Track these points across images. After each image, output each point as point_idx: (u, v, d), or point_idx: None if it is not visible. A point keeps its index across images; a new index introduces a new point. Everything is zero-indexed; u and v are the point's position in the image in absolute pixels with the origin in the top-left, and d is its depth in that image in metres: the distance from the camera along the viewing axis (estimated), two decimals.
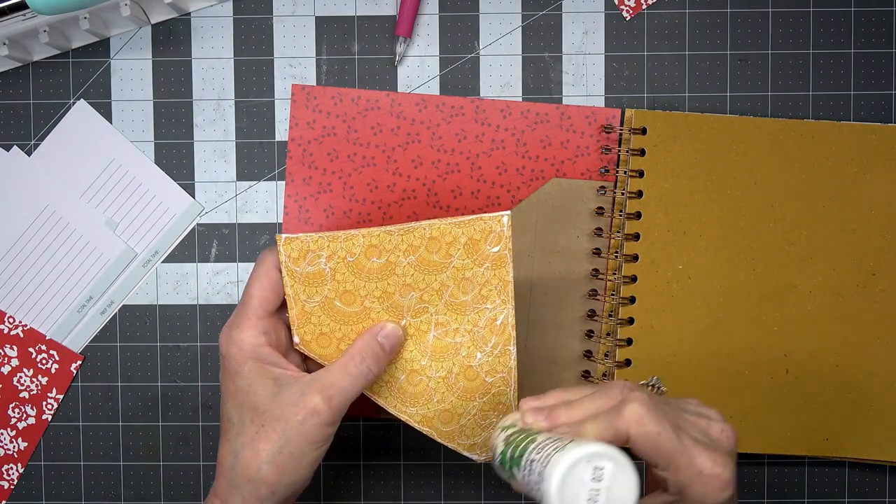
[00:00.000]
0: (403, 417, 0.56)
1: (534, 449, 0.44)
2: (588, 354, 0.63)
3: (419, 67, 0.64)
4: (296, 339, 0.53)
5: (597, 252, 0.63)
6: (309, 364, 0.55)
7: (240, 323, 0.52)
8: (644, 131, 0.62)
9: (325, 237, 0.52)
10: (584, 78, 0.64)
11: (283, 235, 0.52)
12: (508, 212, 0.53)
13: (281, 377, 0.51)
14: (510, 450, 0.46)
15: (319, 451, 0.51)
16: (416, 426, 0.56)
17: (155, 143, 0.65)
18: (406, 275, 0.53)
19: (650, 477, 0.50)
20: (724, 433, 0.48)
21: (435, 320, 0.54)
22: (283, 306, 0.54)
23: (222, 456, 0.52)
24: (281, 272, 0.53)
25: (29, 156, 0.64)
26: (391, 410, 0.56)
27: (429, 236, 0.52)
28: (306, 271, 0.52)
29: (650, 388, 0.54)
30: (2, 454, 0.65)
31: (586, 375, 0.63)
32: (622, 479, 0.42)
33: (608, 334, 0.63)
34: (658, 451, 0.45)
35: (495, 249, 0.53)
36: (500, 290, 0.54)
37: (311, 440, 0.51)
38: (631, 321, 0.62)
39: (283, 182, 0.64)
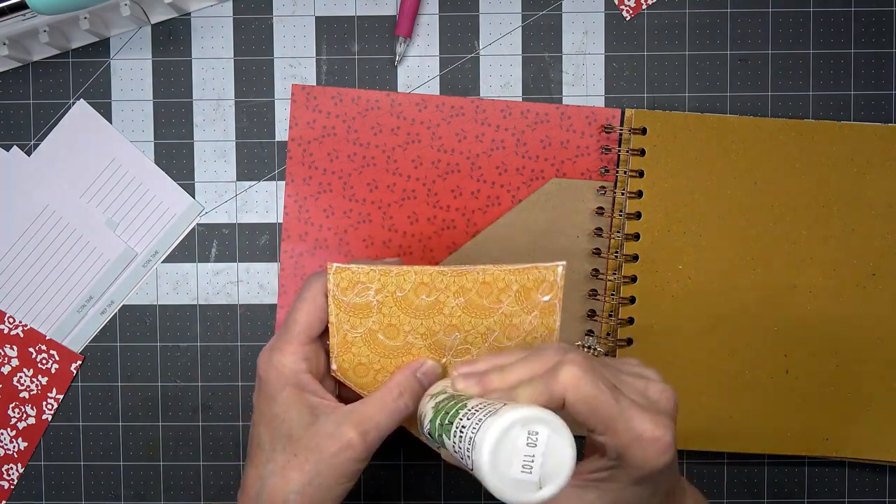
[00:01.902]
0: (443, 453, 0.56)
1: (464, 415, 0.42)
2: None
3: (419, 67, 0.64)
4: (333, 367, 0.52)
5: (597, 252, 0.63)
6: (342, 390, 0.54)
7: (282, 347, 0.51)
8: (644, 131, 0.62)
9: (377, 271, 0.51)
10: (584, 78, 0.64)
11: (334, 265, 0.50)
12: (563, 262, 0.51)
13: (318, 406, 0.50)
14: (440, 417, 0.44)
15: (346, 486, 0.50)
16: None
17: (155, 143, 0.65)
18: (453, 315, 0.52)
19: (587, 441, 0.49)
20: (664, 394, 0.46)
21: None
22: (324, 333, 0.53)
23: (249, 481, 0.51)
24: (327, 299, 0.51)
25: (29, 156, 0.64)
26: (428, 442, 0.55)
27: (481, 281, 0.51)
28: (353, 302, 0.51)
29: (586, 349, 0.52)
30: (2, 454, 0.65)
31: None
32: (558, 443, 0.40)
33: (608, 334, 0.63)
34: (595, 415, 0.43)
35: (546, 298, 0.51)
36: (546, 338, 0.52)
37: (342, 474, 0.49)
38: (631, 321, 0.62)
39: (283, 182, 0.64)
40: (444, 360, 0.53)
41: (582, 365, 0.43)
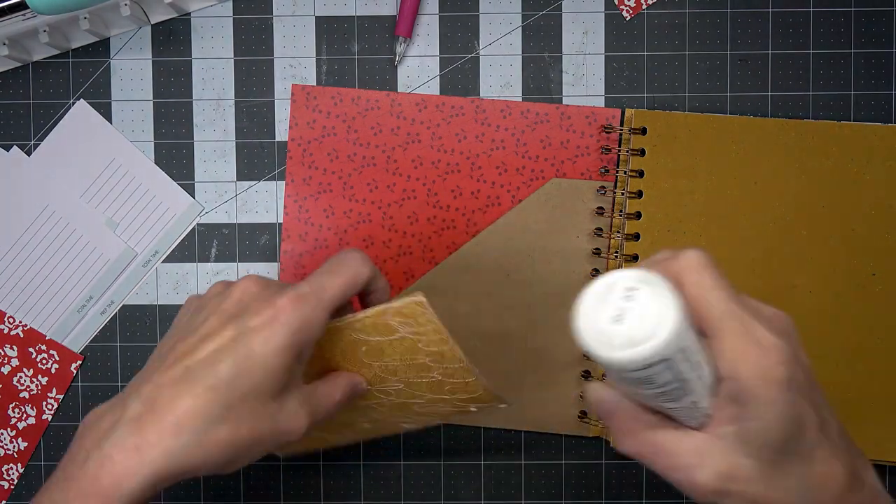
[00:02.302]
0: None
1: None
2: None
3: (419, 67, 0.64)
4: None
5: (597, 252, 0.63)
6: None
7: (318, 304, 0.47)
8: (644, 131, 0.62)
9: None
10: (584, 78, 0.64)
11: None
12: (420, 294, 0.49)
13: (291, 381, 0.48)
14: None
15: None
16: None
17: (155, 143, 0.65)
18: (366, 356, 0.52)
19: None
20: (777, 317, 0.41)
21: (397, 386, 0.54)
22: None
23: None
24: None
25: (29, 156, 0.64)
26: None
27: (362, 324, 0.51)
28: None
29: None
30: (2, 454, 0.65)
31: (586, 375, 0.63)
32: (658, 300, 0.35)
33: None
34: (709, 308, 0.38)
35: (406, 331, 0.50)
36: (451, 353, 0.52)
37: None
38: None
39: (283, 182, 0.64)
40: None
41: (709, 256, 0.39)
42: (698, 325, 0.39)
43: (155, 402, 0.44)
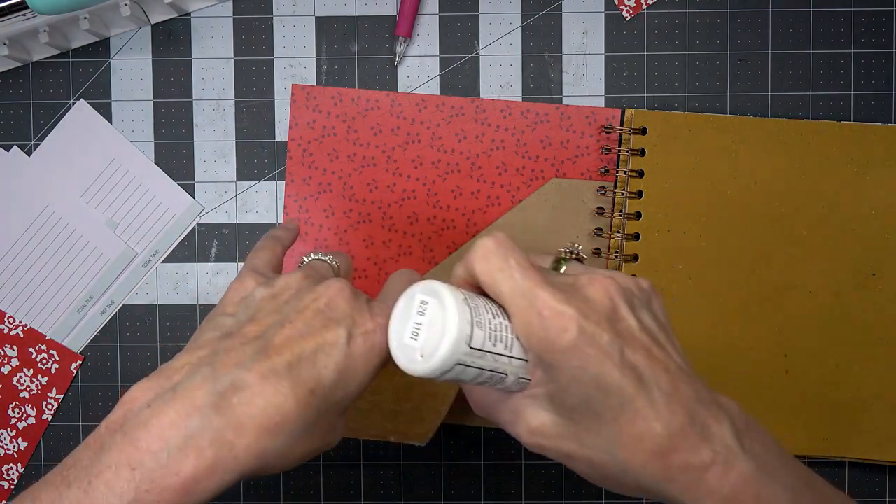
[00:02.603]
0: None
1: None
2: None
3: (419, 67, 0.64)
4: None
5: (597, 252, 0.63)
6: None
7: (380, 312, 0.45)
8: (644, 131, 0.62)
9: None
10: (584, 78, 0.64)
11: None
12: None
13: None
14: None
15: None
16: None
17: (155, 143, 0.65)
18: None
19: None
20: (595, 283, 0.41)
21: None
22: None
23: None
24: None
25: (29, 156, 0.64)
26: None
27: None
28: None
29: (570, 254, 0.48)
30: (2, 454, 0.65)
31: None
32: (440, 315, 0.39)
33: None
34: (498, 290, 0.40)
35: None
36: None
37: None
38: None
39: (283, 182, 0.64)
40: None
41: (497, 240, 0.41)
42: (501, 306, 0.41)
43: (251, 394, 0.39)
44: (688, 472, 0.39)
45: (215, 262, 0.65)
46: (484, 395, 0.44)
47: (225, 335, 0.42)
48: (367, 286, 0.63)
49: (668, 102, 0.64)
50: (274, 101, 0.64)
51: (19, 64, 0.64)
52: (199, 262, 0.65)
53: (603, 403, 0.39)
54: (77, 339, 0.65)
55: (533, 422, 0.41)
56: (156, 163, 0.65)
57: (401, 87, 0.64)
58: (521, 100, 0.64)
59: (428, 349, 0.39)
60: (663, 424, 0.39)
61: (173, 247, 0.65)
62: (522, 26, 0.64)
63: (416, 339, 0.39)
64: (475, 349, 0.39)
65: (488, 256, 0.40)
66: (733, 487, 0.39)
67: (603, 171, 0.63)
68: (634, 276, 0.45)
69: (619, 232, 0.63)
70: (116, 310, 0.65)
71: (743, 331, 0.63)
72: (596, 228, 0.63)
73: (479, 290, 0.42)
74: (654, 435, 0.39)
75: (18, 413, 0.64)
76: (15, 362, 0.64)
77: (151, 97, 0.65)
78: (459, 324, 0.38)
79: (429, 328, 0.39)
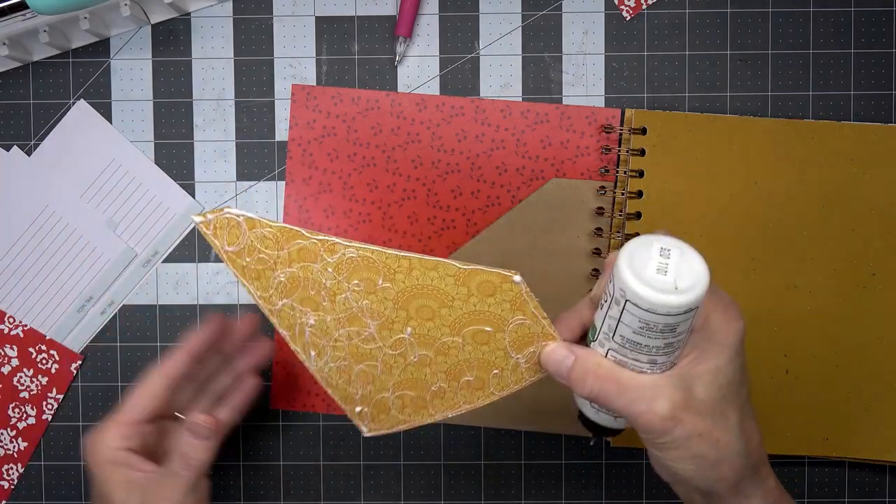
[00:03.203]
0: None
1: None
2: None
3: (419, 67, 0.64)
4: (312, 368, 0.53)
5: (597, 252, 0.63)
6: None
7: (103, 427, 0.54)
8: (644, 131, 0.62)
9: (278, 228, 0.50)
10: (584, 78, 0.64)
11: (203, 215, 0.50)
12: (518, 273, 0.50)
13: (133, 479, 0.53)
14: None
15: None
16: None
17: (155, 143, 0.65)
18: (389, 299, 0.51)
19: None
20: (736, 304, 0.50)
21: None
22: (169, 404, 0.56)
23: None
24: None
25: (29, 156, 0.64)
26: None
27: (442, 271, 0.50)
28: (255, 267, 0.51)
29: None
30: (2, 454, 0.65)
31: None
32: (691, 260, 0.43)
33: None
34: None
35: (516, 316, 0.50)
36: (535, 326, 0.51)
37: None
38: None
39: (283, 182, 0.64)
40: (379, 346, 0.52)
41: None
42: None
43: None
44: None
45: (215, 262, 0.65)
46: (614, 375, 0.47)
47: None
48: None
49: (668, 102, 0.64)
50: (274, 101, 0.64)
51: (19, 64, 0.64)
52: (199, 262, 0.65)
53: (738, 394, 0.47)
54: (77, 339, 0.65)
55: (677, 396, 0.45)
56: (156, 163, 0.65)
57: (401, 87, 0.64)
58: (521, 100, 0.64)
59: (684, 285, 0.43)
60: (759, 429, 0.49)
61: (173, 247, 0.65)
62: (522, 26, 0.64)
63: (665, 275, 0.43)
64: (700, 307, 0.44)
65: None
66: None
67: (603, 171, 0.63)
68: None
69: (619, 232, 0.63)
70: (116, 310, 0.65)
71: None
72: (596, 228, 0.63)
73: None
74: (759, 433, 0.48)
75: (18, 413, 0.64)
76: (15, 362, 0.64)
77: (151, 97, 0.65)
78: (708, 271, 0.43)
79: (680, 269, 0.43)
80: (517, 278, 0.49)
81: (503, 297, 0.49)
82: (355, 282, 0.50)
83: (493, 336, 0.50)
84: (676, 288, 0.42)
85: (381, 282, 0.50)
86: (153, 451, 0.54)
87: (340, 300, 0.51)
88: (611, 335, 0.46)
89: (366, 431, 0.54)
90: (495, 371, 0.51)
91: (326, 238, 0.50)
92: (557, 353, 0.48)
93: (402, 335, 0.51)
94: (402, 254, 0.49)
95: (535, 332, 0.49)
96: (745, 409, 0.48)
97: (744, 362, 0.47)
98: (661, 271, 0.43)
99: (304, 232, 0.50)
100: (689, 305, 0.42)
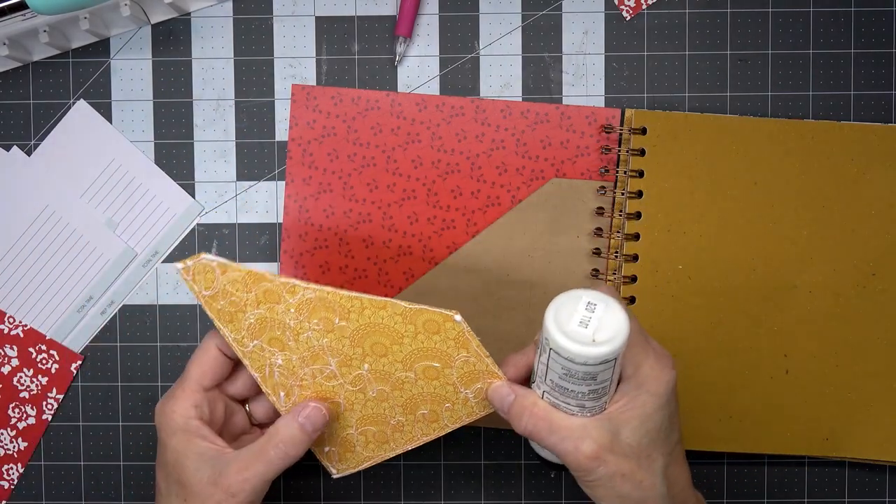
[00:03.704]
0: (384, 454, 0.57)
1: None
2: None
3: (419, 67, 0.64)
4: (282, 407, 0.55)
5: (597, 252, 0.63)
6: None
7: (174, 395, 0.54)
8: (644, 131, 0.62)
9: (245, 273, 0.52)
10: (584, 78, 0.64)
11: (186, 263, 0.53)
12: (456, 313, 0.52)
13: (205, 452, 0.52)
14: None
15: None
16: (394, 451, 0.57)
17: (155, 143, 0.65)
18: (345, 339, 0.53)
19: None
20: (667, 355, 0.52)
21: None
22: (231, 383, 0.56)
23: None
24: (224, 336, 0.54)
25: (29, 156, 0.64)
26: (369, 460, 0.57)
27: (389, 311, 0.52)
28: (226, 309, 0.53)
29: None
30: (2, 454, 0.65)
31: None
32: (613, 313, 0.47)
33: None
34: (633, 350, 0.50)
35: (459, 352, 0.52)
36: (478, 364, 0.53)
37: None
38: None
39: (283, 182, 0.64)
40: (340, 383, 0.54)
41: (629, 313, 0.49)
42: (628, 362, 0.50)
43: None
44: None
45: None
46: (546, 416, 0.50)
47: None
48: (367, 286, 0.63)
49: (668, 102, 0.64)
50: (274, 101, 0.64)
51: (19, 64, 0.64)
52: None
53: (667, 440, 0.50)
54: (77, 339, 0.65)
55: (603, 438, 0.49)
56: (156, 163, 0.65)
57: (401, 87, 0.64)
58: (521, 100, 0.64)
59: (603, 337, 0.46)
60: (688, 474, 0.53)
61: (173, 247, 0.65)
62: (522, 26, 0.64)
63: (586, 328, 0.47)
64: (618, 358, 0.47)
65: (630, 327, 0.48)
66: None
67: (603, 171, 0.63)
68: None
69: (619, 232, 0.63)
70: (116, 310, 0.65)
71: (743, 331, 0.63)
72: (596, 228, 0.63)
73: None
74: (686, 477, 0.53)
75: (18, 413, 0.64)
76: (15, 362, 0.64)
77: (151, 97, 0.65)
78: (631, 324, 0.47)
79: (599, 321, 0.47)
80: (458, 317, 0.51)
81: (447, 335, 0.51)
82: (315, 321, 0.53)
83: (442, 371, 0.52)
84: (594, 340, 0.46)
85: (337, 320, 0.52)
86: (210, 420, 0.54)
87: (303, 339, 0.53)
88: (544, 379, 0.49)
89: (335, 473, 0.58)
90: (447, 405, 0.54)
91: (287, 280, 0.52)
92: (500, 390, 0.51)
93: (361, 371, 0.53)
94: (354, 294, 0.52)
95: (479, 369, 0.52)
96: (674, 454, 0.51)
97: (674, 410, 0.51)
98: (582, 324, 0.47)
99: (267, 275, 0.52)
100: (606, 357, 0.46)
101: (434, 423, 0.55)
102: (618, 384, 0.50)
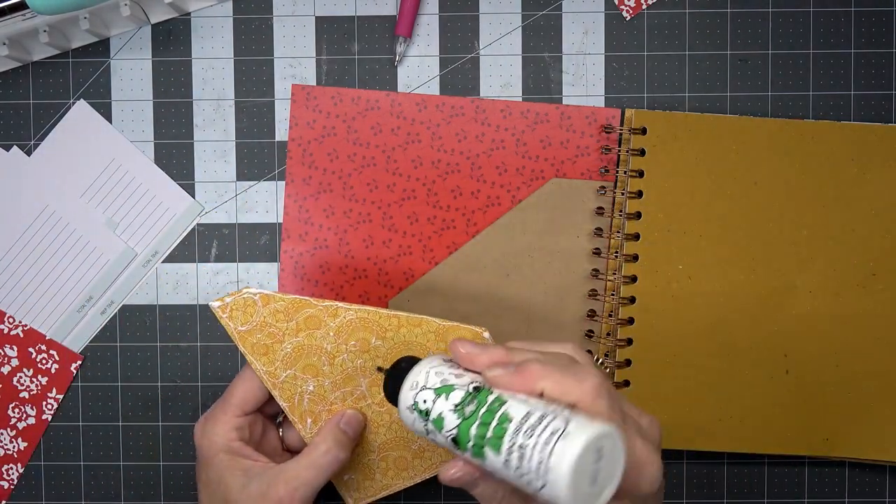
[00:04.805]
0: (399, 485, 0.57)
1: (517, 431, 0.42)
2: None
3: (419, 67, 0.64)
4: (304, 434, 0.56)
5: (597, 252, 0.63)
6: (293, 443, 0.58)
7: (216, 416, 0.55)
8: (644, 131, 0.62)
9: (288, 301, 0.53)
10: (584, 78, 0.64)
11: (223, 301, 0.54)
12: (486, 329, 0.52)
13: (250, 469, 0.53)
14: (478, 428, 0.44)
15: None
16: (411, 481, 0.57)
17: (155, 143, 0.65)
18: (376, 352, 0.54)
19: None
20: (653, 425, 0.47)
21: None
22: (268, 404, 0.57)
23: None
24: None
25: (29, 156, 0.64)
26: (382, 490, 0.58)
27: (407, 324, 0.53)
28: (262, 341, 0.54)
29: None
30: (2, 454, 0.65)
31: None
32: (615, 452, 0.41)
33: (608, 334, 0.63)
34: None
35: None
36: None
37: None
38: (631, 321, 0.62)
39: (283, 182, 0.64)
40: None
41: (604, 381, 0.44)
42: None
43: None
44: None
45: (215, 262, 0.65)
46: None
47: None
48: (367, 286, 0.63)
49: (668, 102, 0.64)
50: (274, 101, 0.64)
51: (19, 64, 0.64)
52: (199, 262, 0.65)
53: None
54: (77, 339, 0.65)
55: None
56: (156, 163, 0.65)
57: (401, 87, 0.64)
58: (521, 100, 0.64)
59: (605, 482, 0.41)
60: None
61: (173, 247, 0.65)
62: (522, 26, 0.64)
63: (595, 485, 0.41)
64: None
65: (598, 402, 0.43)
66: None
67: (603, 171, 0.63)
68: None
69: (619, 232, 0.63)
70: (116, 310, 0.65)
71: (743, 331, 0.63)
72: (596, 228, 0.63)
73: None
74: None
75: (18, 413, 0.64)
76: (15, 362, 0.64)
77: (151, 97, 0.65)
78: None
79: (603, 470, 0.41)
80: (486, 334, 0.52)
81: None
82: (353, 342, 0.54)
83: None
84: (598, 494, 0.42)
85: (374, 340, 0.53)
86: (248, 439, 0.55)
87: (338, 362, 0.54)
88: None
89: (352, 503, 0.58)
90: None
91: (331, 304, 0.53)
92: (466, 471, 0.48)
93: None
94: (392, 313, 0.53)
95: None
96: None
97: None
98: (592, 482, 0.42)
99: (311, 301, 0.53)
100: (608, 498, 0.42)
101: None
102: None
